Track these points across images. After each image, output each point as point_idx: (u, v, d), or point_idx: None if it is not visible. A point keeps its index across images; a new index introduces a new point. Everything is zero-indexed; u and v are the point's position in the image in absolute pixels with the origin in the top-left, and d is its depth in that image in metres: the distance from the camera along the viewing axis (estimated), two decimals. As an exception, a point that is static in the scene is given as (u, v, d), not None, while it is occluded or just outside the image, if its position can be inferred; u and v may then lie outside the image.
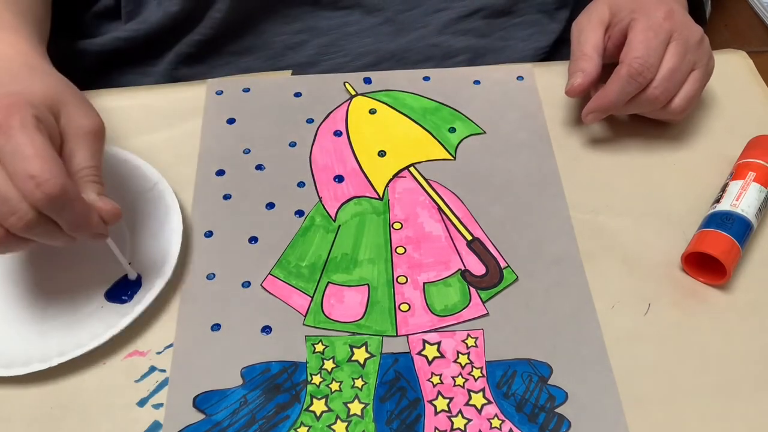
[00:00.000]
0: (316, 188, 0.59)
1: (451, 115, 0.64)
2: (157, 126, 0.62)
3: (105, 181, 0.47)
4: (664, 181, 0.60)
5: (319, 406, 0.47)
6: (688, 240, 0.55)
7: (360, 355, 0.50)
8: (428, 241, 0.55)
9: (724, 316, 0.52)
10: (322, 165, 0.60)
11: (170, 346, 0.50)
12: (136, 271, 0.52)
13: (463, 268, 0.54)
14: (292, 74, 0.67)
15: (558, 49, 0.73)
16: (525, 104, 0.64)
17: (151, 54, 0.69)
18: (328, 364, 0.49)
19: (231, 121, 0.63)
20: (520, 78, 0.66)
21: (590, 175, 0.60)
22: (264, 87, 0.65)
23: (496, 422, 0.47)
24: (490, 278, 0.54)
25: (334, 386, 0.48)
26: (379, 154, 0.61)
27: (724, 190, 0.56)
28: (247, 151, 0.61)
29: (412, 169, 0.60)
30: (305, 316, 0.51)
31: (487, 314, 0.52)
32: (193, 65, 0.69)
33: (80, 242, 0.46)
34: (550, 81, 0.66)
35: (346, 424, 0.47)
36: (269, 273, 0.54)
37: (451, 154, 0.61)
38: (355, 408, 0.47)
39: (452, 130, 0.63)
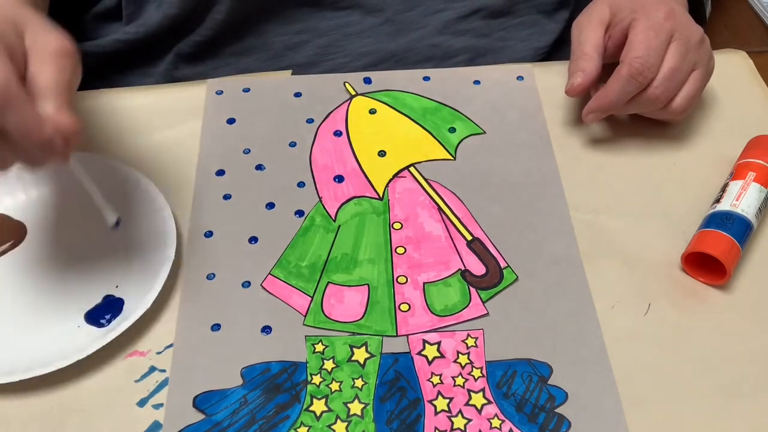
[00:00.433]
0: (316, 188, 0.59)
1: (451, 115, 0.64)
2: (157, 126, 0.62)
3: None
4: (664, 181, 0.60)
5: (319, 406, 0.47)
6: (688, 240, 0.55)
7: (360, 355, 0.50)
8: (428, 241, 0.55)
9: (724, 316, 0.52)
10: (322, 165, 0.60)
11: (170, 346, 0.50)
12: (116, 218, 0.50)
13: (463, 268, 0.54)
14: (292, 74, 0.67)
15: (558, 49, 0.73)
16: (525, 104, 0.64)
17: (151, 55, 0.69)
18: (328, 364, 0.49)
19: (231, 121, 0.63)
20: (520, 78, 0.66)
21: (590, 175, 0.60)
22: (264, 87, 0.65)
23: (496, 422, 0.47)
24: (490, 278, 0.54)
25: (334, 386, 0.48)
26: (379, 154, 0.61)
27: (724, 190, 0.56)
28: (247, 151, 0.61)
29: (412, 169, 0.60)
30: (305, 316, 0.51)
31: (487, 314, 0.52)
32: (193, 65, 0.69)
33: (41, 165, 0.44)
34: (550, 81, 0.66)
35: (346, 424, 0.47)
36: (269, 273, 0.54)
37: (451, 154, 0.61)
38: (355, 408, 0.47)
39: (452, 130, 0.63)
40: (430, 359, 0.50)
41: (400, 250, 0.55)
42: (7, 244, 0.55)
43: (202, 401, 0.47)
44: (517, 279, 0.53)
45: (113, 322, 0.50)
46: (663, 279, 0.54)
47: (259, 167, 0.60)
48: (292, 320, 0.51)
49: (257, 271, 0.54)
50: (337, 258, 0.54)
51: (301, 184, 0.59)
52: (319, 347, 0.50)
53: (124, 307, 0.51)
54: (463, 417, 0.47)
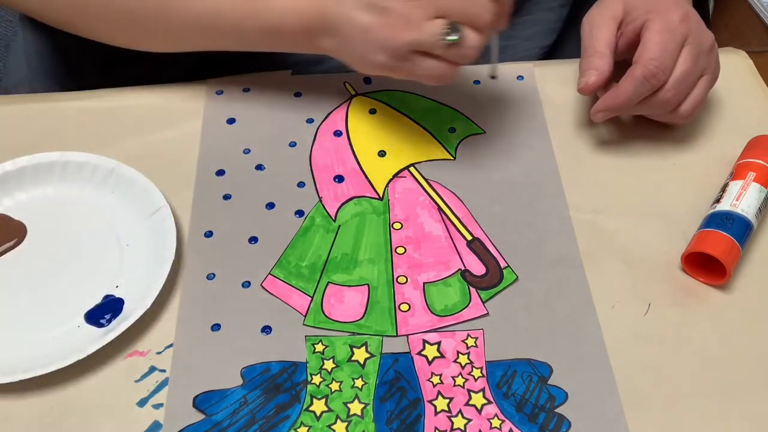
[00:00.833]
0: (316, 188, 0.59)
1: (451, 115, 0.64)
2: (157, 126, 0.62)
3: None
4: (664, 181, 0.60)
5: (319, 406, 0.47)
6: (688, 240, 0.55)
7: (360, 355, 0.50)
8: (428, 241, 0.55)
9: (724, 316, 0.52)
10: (322, 165, 0.60)
11: (170, 346, 0.50)
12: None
13: (463, 268, 0.54)
14: (292, 74, 0.67)
15: (558, 47, 0.73)
16: (525, 104, 0.64)
17: (152, 54, 0.69)
18: (328, 364, 0.49)
19: (231, 121, 0.63)
20: (520, 78, 0.66)
21: (590, 175, 0.60)
22: (264, 87, 0.65)
23: (496, 422, 0.47)
24: (490, 278, 0.54)
25: (334, 386, 0.48)
26: (379, 154, 0.61)
27: (724, 190, 0.56)
28: (247, 151, 0.61)
29: (412, 169, 0.60)
30: (305, 316, 0.51)
31: (487, 314, 0.52)
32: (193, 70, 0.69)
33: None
34: (550, 81, 0.66)
35: (346, 424, 0.47)
36: (269, 273, 0.54)
37: (451, 154, 0.61)
38: (355, 408, 0.47)
39: (452, 130, 0.63)
40: (430, 359, 0.50)
41: (400, 250, 0.55)
42: (8, 244, 0.55)
43: (202, 401, 0.47)
44: (517, 279, 0.53)
45: (113, 322, 0.50)
46: (663, 279, 0.54)
47: (259, 167, 0.60)
48: (292, 320, 0.51)
49: (257, 271, 0.54)
50: (337, 258, 0.54)
51: (301, 184, 0.59)
52: (319, 347, 0.50)
53: (124, 307, 0.51)
54: (463, 417, 0.47)
